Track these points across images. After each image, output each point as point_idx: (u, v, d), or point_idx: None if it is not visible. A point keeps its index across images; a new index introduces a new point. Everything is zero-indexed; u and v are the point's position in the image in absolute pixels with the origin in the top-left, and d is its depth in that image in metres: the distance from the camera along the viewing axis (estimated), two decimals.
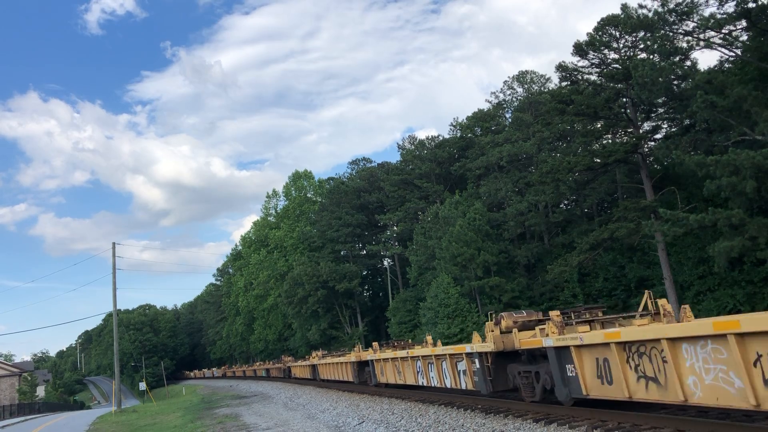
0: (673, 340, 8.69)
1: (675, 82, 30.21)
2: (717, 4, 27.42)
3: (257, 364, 69.78)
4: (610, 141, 37.47)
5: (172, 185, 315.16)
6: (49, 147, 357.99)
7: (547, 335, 11.89)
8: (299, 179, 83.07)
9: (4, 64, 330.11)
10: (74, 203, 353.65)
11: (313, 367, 37.69)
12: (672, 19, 28.37)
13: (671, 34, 29.18)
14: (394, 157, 75.23)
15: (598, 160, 34.20)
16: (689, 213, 26.33)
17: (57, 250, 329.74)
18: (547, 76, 53.79)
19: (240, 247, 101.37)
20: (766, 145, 23.39)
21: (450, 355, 16.47)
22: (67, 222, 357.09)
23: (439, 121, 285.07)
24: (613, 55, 34.22)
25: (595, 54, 34.33)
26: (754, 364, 7.41)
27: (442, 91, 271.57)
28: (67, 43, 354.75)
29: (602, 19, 33.75)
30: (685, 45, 29.25)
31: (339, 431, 16.89)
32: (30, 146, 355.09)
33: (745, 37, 27.71)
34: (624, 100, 34.11)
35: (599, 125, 36.56)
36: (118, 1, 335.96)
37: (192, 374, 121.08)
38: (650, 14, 29.39)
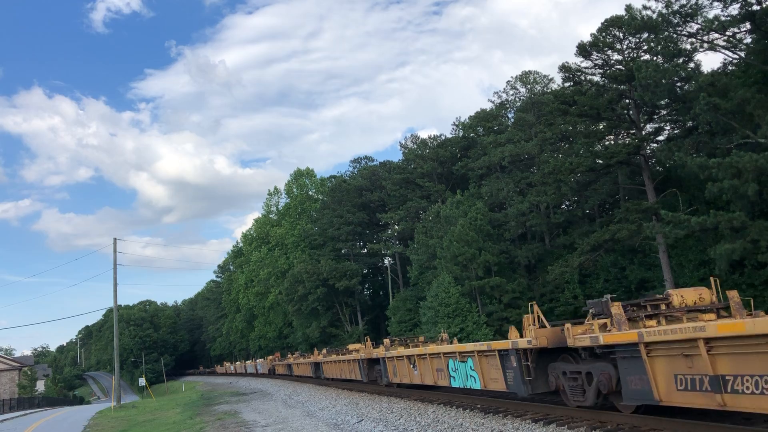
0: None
1: (678, 84, 30.17)
2: (721, 6, 27.39)
3: (350, 351, 31.03)
4: (612, 142, 37.43)
5: (176, 182, 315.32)
6: (54, 143, 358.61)
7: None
8: (301, 177, 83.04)
9: (9, 61, 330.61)
10: (78, 199, 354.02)
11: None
12: (676, 21, 28.33)
13: (675, 35, 29.14)
14: (395, 158, 75.27)
15: (600, 162, 34.18)
16: (691, 215, 26.31)
17: (60, 246, 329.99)
18: (550, 77, 53.80)
19: (241, 245, 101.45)
20: None
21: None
22: (71, 218, 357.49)
23: (439, 122, 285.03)
24: (616, 57, 34.18)
25: (599, 55, 34.28)
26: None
27: (443, 93, 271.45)
28: (72, 41, 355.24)
29: (606, 20, 33.71)
30: (688, 47, 29.23)
31: (338, 429, 16.87)
32: (35, 142, 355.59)
33: (749, 40, 27.67)
34: (627, 101, 34.06)
35: (602, 126, 36.51)
36: (125, 0, 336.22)
37: (221, 368, 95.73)
38: (654, 16, 29.34)
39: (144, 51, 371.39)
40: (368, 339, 26.47)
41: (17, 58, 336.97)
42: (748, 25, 26.57)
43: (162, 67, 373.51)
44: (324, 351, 35.53)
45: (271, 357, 61.23)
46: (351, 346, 31.24)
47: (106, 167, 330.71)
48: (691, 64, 30.51)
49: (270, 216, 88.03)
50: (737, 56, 29.02)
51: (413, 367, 19.51)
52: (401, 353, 20.81)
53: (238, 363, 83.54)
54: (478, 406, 15.02)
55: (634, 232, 30.83)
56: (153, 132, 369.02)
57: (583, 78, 35.54)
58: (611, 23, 33.53)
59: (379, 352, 23.57)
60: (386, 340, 23.99)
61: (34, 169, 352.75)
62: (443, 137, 59.74)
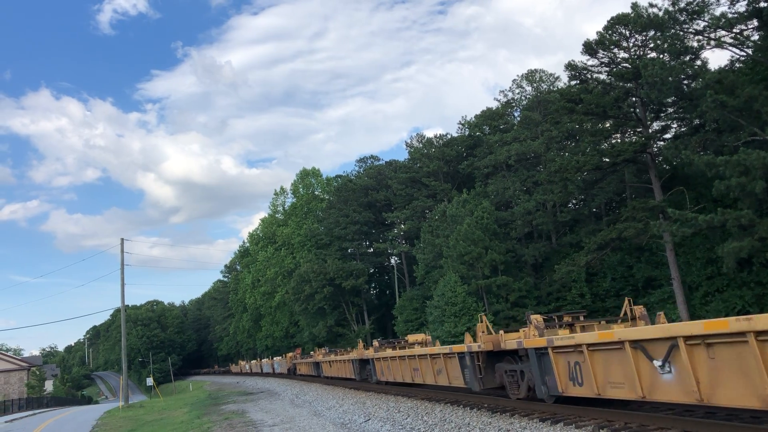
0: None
1: (685, 82, 30.09)
2: (728, 3, 27.29)
3: (411, 344, 24.66)
4: (618, 140, 37.29)
5: (183, 183, 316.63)
6: (61, 144, 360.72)
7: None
8: (307, 177, 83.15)
9: (17, 62, 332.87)
10: (85, 200, 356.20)
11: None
12: (682, 18, 28.23)
13: (681, 33, 29.03)
14: (400, 157, 75.40)
15: (607, 160, 34.05)
16: (698, 213, 26.21)
17: (67, 246, 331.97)
18: (556, 75, 53.66)
19: (248, 244, 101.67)
20: None
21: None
22: (78, 218, 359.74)
23: (445, 121, 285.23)
24: (622, 54, 34.04)
25: (605, 53, 34.16)
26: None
27: (449, 92, 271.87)
28: (79, 42, 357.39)
29: (612, 18, 33.58)
30: (695, 44, 29.12)
31: (345, 429, 16.91)
32: (42, 143, 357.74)
33: (756, 37, 27.53)
34: (633, 99, 33.95)
35: (608, 124, 36.41)
36: (131, 1, 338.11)
37: (236, 367, 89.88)
38: (661, 13, 29.26)
39: (150, 52, 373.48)
40: (483, 317, 15.37)
41: (24, 59, 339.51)
42: (755, 22, 26.46)
43: (168, 68, 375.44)
44: (375, 343, 25.73)
45: (291, 354, 53.64)
46: (411, 338, 24.95)
47: (113, 168, 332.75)
48: (698, 62, 30.43)
49: (276, 216, 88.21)
50: (744, 53, 28.88)
51: (663, 367, 8.93)
52: (605, 338, 10.21)
53: (253, 362, 76.33)
54: (486, 405, 15.01)
55: (641, 231, 30.72)
56: (160, 133, 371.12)
57: (589, 76, 35.44)
58: (617, 21, 33.41)
59: (527, 339, 12.91)
60: (537, 317, 13.10)
61: (41, 170, 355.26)
62: (449, 136, 59.69)
